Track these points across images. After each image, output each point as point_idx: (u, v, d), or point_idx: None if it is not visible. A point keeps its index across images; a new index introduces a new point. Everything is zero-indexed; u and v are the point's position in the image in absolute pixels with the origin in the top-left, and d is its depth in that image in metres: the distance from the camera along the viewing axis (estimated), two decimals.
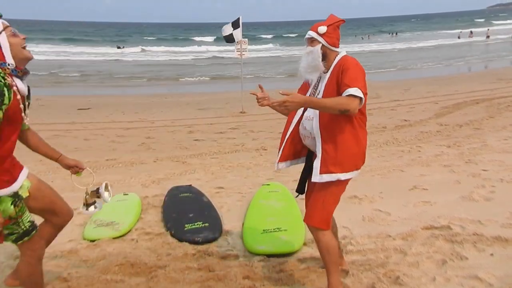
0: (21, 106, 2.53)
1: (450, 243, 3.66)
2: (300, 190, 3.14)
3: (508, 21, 73.12)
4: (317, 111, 2.83)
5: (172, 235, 4.09)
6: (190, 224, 4.19)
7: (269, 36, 64.62)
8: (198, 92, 17.54)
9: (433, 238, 3.77)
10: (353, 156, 2.83)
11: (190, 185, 5.39)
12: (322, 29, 2.85)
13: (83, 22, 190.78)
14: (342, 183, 2.87)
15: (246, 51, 12.55)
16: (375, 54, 35.01)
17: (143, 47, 44.30)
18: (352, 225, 4.20)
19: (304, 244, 3.82)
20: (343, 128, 2.78)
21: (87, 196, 3.07)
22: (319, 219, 2.85)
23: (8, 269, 3.49)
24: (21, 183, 2.60)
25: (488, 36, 44.21)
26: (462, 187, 5.03)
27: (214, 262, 3.58)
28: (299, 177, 3.13)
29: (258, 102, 3.00)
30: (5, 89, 2.36)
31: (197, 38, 58.87)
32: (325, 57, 2.87)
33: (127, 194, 5.10)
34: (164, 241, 4.01)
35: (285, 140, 3.04)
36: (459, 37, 46.97)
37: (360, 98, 2.64)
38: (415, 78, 18.57)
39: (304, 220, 2.94)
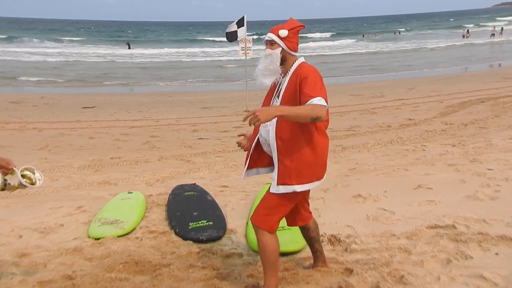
0: None
1: (455, 242, 3.65)
2: None
3: None
4: (274, 120, 2.78)
5: (176, 234, 4.10)
6: (194, 223, 4.20)
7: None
8: (202, 91, 17.56)
9: (437, 237, 3.76)
10: (310, 166, 2.80)
11: (195, 183, 5.39)
12: (283, 32, 2.83)
13: (83, 21, 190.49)
14: (298, 194, 2.84)
15: (250, 50, 12.54)
16: (379, 54, 34.91)
17: (156, 48, 43.64)
18: (356, 224, 4.19)
19: None
20: (300, 137, 2.76)
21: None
22: (263, 221, 2.84)
23: (13, 267, 3.51)
24: None
25: (493, 34, 43.57)
26: (467, 186, 5.01)
27: (218, 261, 3.58)
28: None
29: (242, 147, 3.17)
30: None
31: (209, 38, 58.03)
32: (284, 61, 2.87)
33: (131, 193, 5.12)
34: (168, 239, 4.02)
35: (252, 146, 3.02)
36: (463, 36, 46.41)
37: (325, 106, 2.64)
38: (419, 77, 18.51)
39: (251, 218, 2.95)
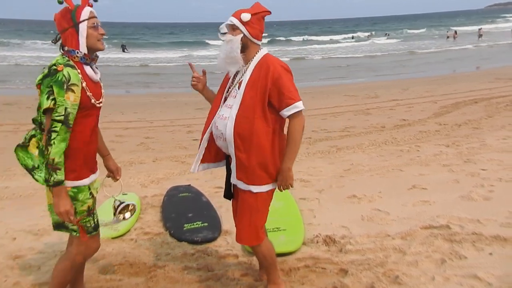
0: (89, 93, 2.56)
1: (449, 243, 3.67)
2: (227, 195, 3.01)
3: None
4: (233, 112, 2.65)
5: (171, 235, 4.09)
6: (189, 224, 4.20)
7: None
8: (197, 92, 17.54)
9: (432, 237, 3.78)
10: (268, 167, 2.70)
11: (189, 184, 5.39)
12: (246, 16, 2.63)
13: None
14: (262, 194, 2.75)
15: None
16: (372, 56, 35.01)
17: (152, 50, 42.98)
18: (351, 224, 4.20)
19: (303, 244, 3.82)
20: (260, 137, 2.63)
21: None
22: (250, 238, 2.78)
23: (7, 269, 3.49)
24: (95, 179, 2.75)
25: (480, 35, 42.93)
26: (461, 187, 5.04)
27: (213, 262, 3.58)
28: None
29: (192, 81, 3.03)
30: (76, 78, 2.47)
31: (205, 40, 56.67)
32: (245, 48, 2.68)
33: (126, 194, 5.08)
34: (163, 241, 4.01)
35: (205, 140, 2.88)
36: (448, 37, 45.43)
37: (303, 110, 2.67)
38: (413, 78, 18.56)
39: (236, 240, 2.85)
